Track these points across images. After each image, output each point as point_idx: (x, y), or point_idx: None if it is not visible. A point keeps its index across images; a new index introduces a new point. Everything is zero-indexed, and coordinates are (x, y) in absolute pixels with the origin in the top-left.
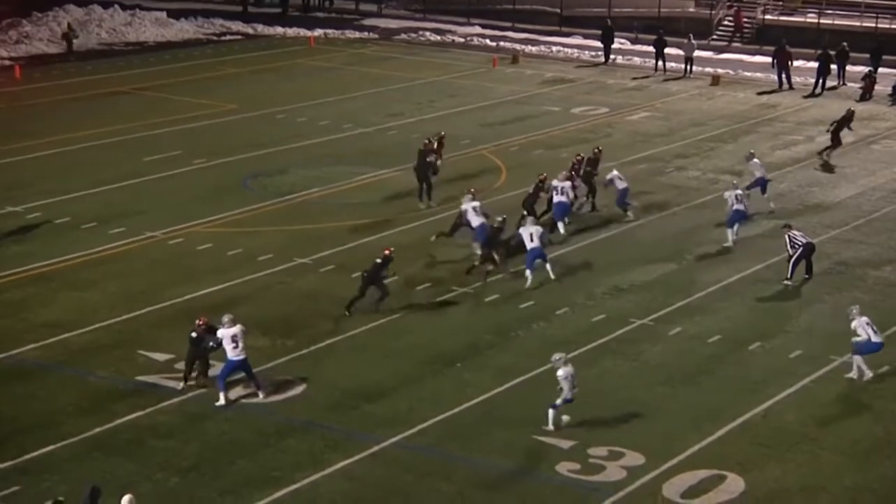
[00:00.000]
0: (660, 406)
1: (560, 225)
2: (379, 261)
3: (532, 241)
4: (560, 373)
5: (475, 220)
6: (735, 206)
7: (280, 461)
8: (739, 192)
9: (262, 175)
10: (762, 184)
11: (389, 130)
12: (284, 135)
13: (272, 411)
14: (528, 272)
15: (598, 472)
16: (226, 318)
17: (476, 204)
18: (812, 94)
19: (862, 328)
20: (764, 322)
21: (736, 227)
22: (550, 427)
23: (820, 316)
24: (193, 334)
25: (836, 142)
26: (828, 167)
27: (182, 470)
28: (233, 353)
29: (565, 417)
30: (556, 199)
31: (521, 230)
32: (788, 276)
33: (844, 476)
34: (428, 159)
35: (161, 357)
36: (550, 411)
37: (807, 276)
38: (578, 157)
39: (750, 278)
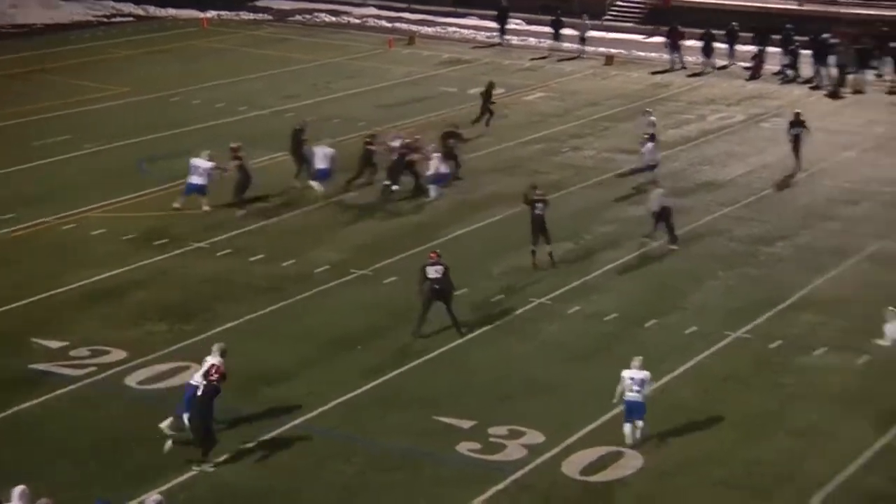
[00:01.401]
0: (559, 384)
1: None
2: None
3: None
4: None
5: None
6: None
7: (182, 446)
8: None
9: (157, 158)
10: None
11: (286, 113)
12: (179, 118)
13: (173, 396)
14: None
15: (499, 451)
16: (215, 348)
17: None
18: (702, 73)
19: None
20: (659, 300)
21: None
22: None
23: (714, 293)
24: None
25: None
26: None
27: (78, 459)
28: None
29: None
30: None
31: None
32: (650, 231)
33: (740, 449)
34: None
35: (55, 344)
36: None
37: (671, 243)
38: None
39: (646, 257)
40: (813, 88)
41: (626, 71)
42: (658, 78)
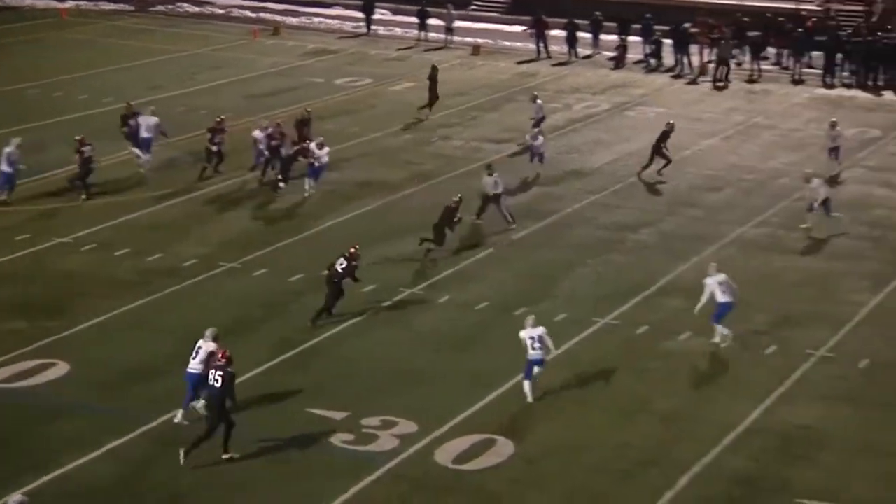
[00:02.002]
0: (431, 374)
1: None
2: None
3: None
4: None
5: None
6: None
7: (48, 445)
8: None
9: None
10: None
11: (151, 104)
12: (40, 110)
13: (37, 394)
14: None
15: (372, 441)
16: (208, 333)
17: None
18: (567, 63)
19: (711, 287)
20: (530, 287)
21: None
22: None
23: (583, 280)
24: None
25: (656, 158)
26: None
27: None
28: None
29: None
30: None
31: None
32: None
33: (609, 434)
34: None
35: None
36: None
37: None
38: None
39: (517, 245)
40: (675, 77)
41: (492, 61)
42: (524, 67)
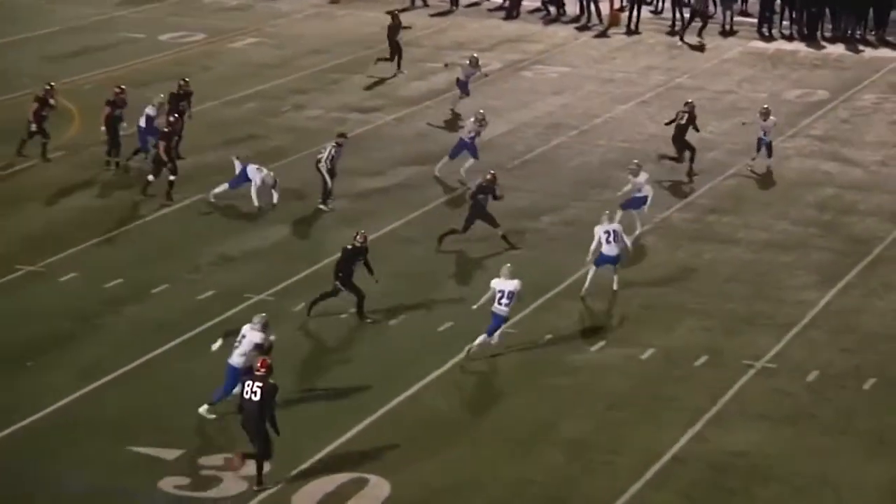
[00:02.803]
0: (282, 399)
1: None
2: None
3: None
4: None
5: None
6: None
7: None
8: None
9: None
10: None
11: None
12: None
13: None
14: None
15: (213, 485)
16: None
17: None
18: (448, 12)
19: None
20: (405, 291)
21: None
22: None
23: (471, 280)
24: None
25: (683, 148)
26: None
27: None
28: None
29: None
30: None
31: None
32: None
33: (506, 468)
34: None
35: None
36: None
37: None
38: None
39: (390, 237)
40: (580, 29)
41: (356, 10)
42: None
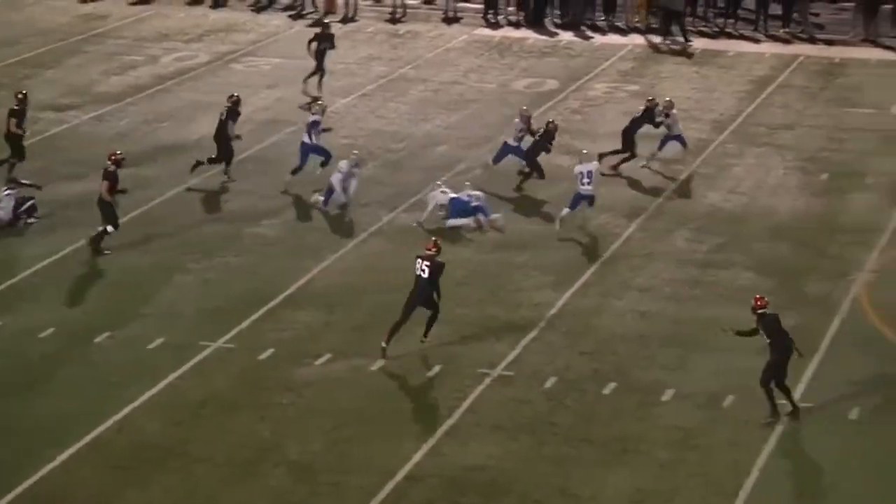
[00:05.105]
0: None
1: None
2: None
3: None
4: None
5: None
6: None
7: None
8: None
9: None
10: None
11: None
12: None
13: None
14: None
15: None
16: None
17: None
18: (149, 0)
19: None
20: (113, 304)
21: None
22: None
23: (184, 291)
24: None
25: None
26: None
27: None
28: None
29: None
30: None
31: None
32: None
33: (224, 495)
34: None
35: None
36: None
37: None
38: None
39: (90, 248)
40: (294, 17)
41: None
42: (91, 7)
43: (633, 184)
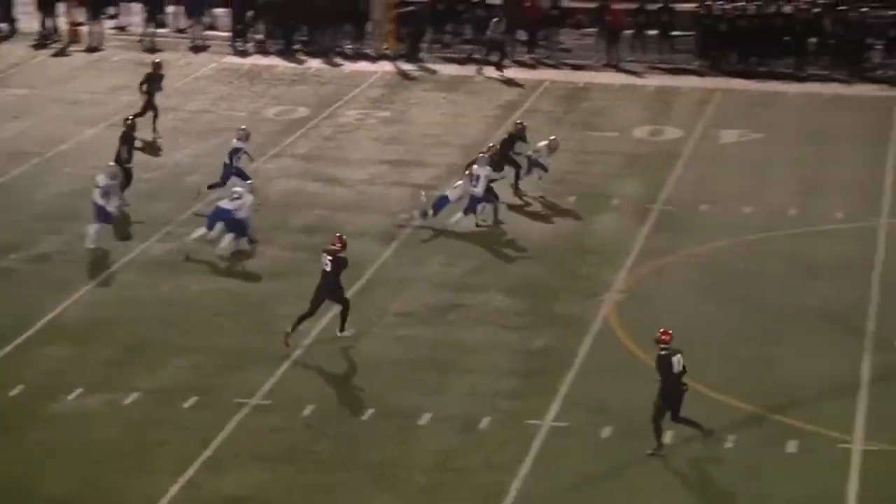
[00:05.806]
0: None
1: None
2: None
3: None
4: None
5: None
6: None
7: None
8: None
9: None
10: None
11: None
12: None
13: None
14: None
15: None
16: None
17: None
18: None
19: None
20: None
21: None
22: None
23: None
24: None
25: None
26: None
27: None
28: None
29: None
30: None
31: None
32: None
33: None
34: None
35: None
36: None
37: None
38: None
39: None
40: (38, 47)
41: None
42: None
43: (385, 210)
